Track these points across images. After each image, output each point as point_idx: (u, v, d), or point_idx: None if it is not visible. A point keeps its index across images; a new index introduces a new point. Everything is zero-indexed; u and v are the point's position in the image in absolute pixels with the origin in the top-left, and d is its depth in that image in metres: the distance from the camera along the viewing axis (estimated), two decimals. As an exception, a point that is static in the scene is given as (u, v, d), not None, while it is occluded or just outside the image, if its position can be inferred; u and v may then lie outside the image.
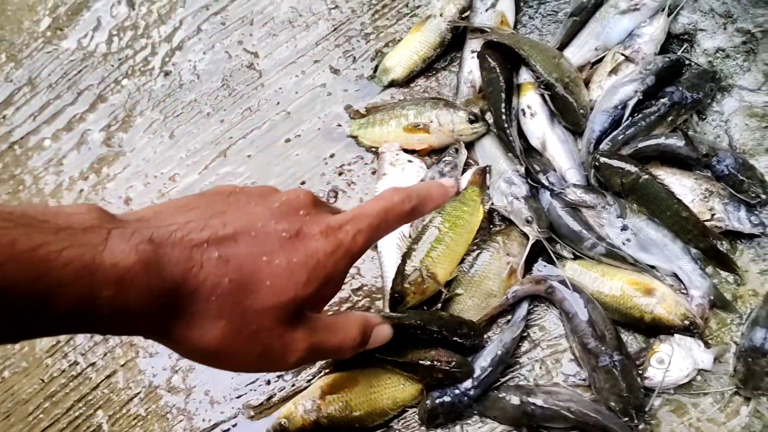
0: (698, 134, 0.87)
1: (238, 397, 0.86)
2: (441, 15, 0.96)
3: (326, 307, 0.86)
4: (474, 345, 0.81)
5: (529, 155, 0.89)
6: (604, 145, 0.86)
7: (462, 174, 0.90)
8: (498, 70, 0.89)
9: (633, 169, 0.82)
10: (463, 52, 0.96)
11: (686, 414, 0.78)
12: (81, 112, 1.05)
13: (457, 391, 0.80)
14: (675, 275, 0.83)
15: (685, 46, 0.90)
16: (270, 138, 0.98)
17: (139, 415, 0.88)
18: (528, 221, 0.84)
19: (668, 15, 0.88)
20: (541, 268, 0.85)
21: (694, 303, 0.81)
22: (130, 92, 1.05)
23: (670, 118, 0.86)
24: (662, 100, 0.85)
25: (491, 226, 0.88)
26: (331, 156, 0.96)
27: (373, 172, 0.94)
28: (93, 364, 0.91)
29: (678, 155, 0.84)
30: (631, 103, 0.85)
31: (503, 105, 0.88)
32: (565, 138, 0.89)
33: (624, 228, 0.83)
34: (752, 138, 0.86)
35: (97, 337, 0.91)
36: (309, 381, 0.85)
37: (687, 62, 0.88)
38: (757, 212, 0.83)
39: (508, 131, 0.88)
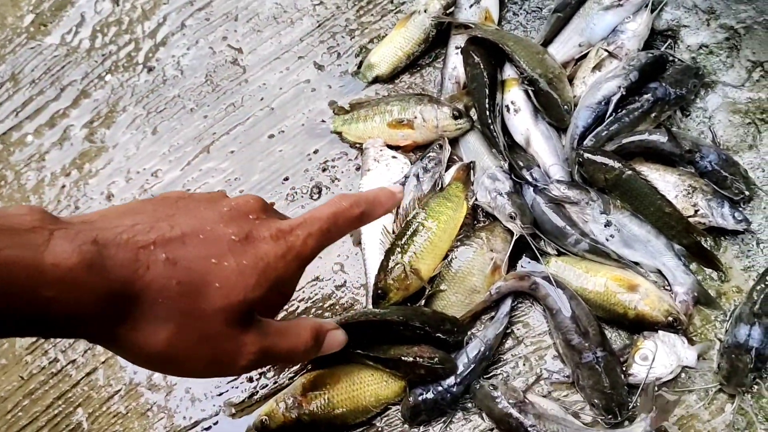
0: (682, 130, 0.87)
1: (219, 395, 0.85)
2: (425, 11, 0.95)
3: (311, 307, 0.85)
4: (457, 341, 0.81)
5: (513, 151, 0.89)
6: (587, 141, 0.86)
7: (446, 170, 0.89)
8: (482, 66, 0.89)
9: (616, 165, 0.82)
10: (448, 48, 0.96)
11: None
12: (64, 107, 1.04)
13: (440, 388, 0.79)
14: (659, 271, 0.82)
15: (668, 42, 0.90)
16: (253, 134, 0.97)
17: (119, 413, 0.87)
18: (512, 217, 0.83)
19: (652, 11, 0.88)
20: (525, 264, 0.85)
21: (678, 299, 0.80)
22: (113, 88, 1.04)
23: (653, 114, 0.85)
24: (646, 96, 0.85)
25: (475, 222, 0.87)
26: (315, 152, 0.95)
27: (357, 169, 0.93)
28: (73, 361, 0.90)
29: (661, 151, 0.84)
30: (615, 99, 0.85)
31: (487, 101, 0.88)
32: (549, 134, 0.88)
33: (608, 224, 0.83)
34: (736, 134, 0.86)
35: (77, 334, 0.90)
36: (291, 378, 0.84)
37: (670, 58, 0.88)
38: (740, 208, 0.83)
39: (492, 127, 0.87)
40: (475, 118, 0.91)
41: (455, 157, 0.91)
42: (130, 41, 1.06)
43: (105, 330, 0.49)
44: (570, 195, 0.84)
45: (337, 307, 0.87)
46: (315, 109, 0.97)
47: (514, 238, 0.83)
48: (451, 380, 0.79)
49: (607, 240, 0.83)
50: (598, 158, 0.83)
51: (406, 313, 0.80)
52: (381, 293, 0.83)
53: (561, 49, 0.92)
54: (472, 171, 0.88)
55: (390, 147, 0.92)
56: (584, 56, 0.91)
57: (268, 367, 0.85)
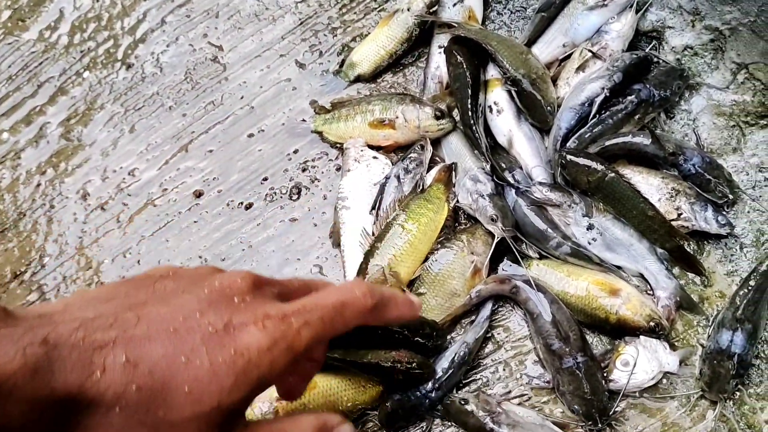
0: (666, 133, 0.86)
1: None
2: (409, 9, 0.94)
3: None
4: (436, 345, 0.79)
5: (495, 153, 0.88)
6: (570, 143, 0.85)
7: (428, 171, 0.88)
8: (465, 66, 0.87)
9: (599, 167, 0.81)
10: (431, 48, 0.94)
11: (651, 418, 0.76)
12: (41, 104, 1.02)
13: (418, 393, 0.78)
14: (641, 276, 0.81)
15: (653, 43, 0.89)
16: (233, 133, 0.96)
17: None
18: (493, 219, 0.82)
19: (636, 12, 0.87)
20: (506, 267, 0.83)
21: (660, 304, 0.79)
22: (91, 85, 1.02)
23: (637, 116, 0.84)
24: (630, 98, 0.84)
25: (456, 225, 0.86)
26: (295, 152, 0.94)
27: (338, 169, 0.92)
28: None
29: (645, 154, 0.83)
30: (598, 100, 0.83)
31: (470, 101, 0.86)
32: (531, 135, 0.87)
33: (590, 227, 0.82)
34: (720, 137, 0.85)
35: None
36: (267, 382, 0.83)
37: (655, 60, 0.87)
38: (724, 212, 0.82)
39: (474, 128, 0.86)
40: (457, 118, 0.89)
41: (437, 158, 0.90)
42: (109, 38, 1.04)
43: None
44: (552, 197, 0.82)
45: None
46: (296, 108, 0.96)
47: (495, 240, 0.82)
48: (429, 385, 0.78)
49: (589, 243, 0.82)
50: (581, 160, 0.82)
51: (384, 316, 0.78)
52: (359, 296, 0.81)
53: (545, 50, 0.90)
54: (453, 172, 0.86)
55: (371, 147, 0.91)
56: (568, 57, 0.90)
57: None
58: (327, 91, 0.96)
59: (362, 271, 0.82)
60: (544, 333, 0.78)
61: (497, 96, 0.88)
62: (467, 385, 0.80)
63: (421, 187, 0.86)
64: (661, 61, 0.87)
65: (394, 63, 0.96)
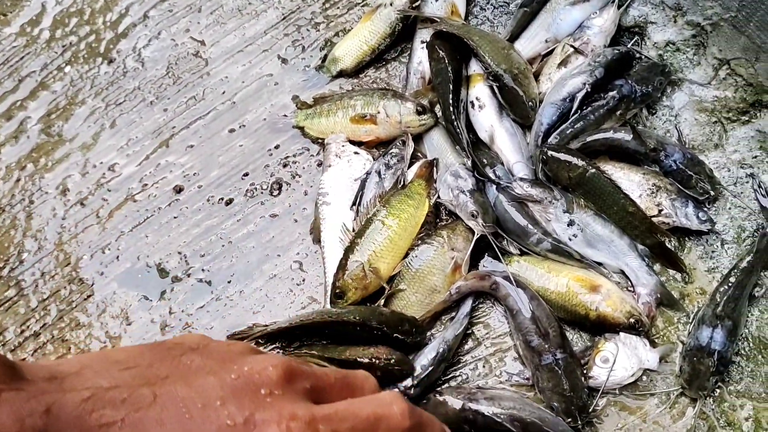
0: (647, 129, 0.86)
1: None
2: (392, 4, 0.93)
3: (267, 305, 0.83)
4: (416, 342, 0.79)
5: (476, 148, 0.87)
6: (552, 139, 0.84)
7: (409, 167, 0.87)
8: (447, 61, 0.87)
9: (580, 163, 0.80)
10: (413, 43, 0.94)
11: (631, 415, 0.76)
12: (21, 99, 1.01)
13: (396, 390, 0.77)
14: (622, 272, 0.81)
15: (635, 38, 0.89)
16: (214, 128, 0.95)
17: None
18: (473, 215, 0.81)
19: (618, 7, 0.87)
20: (486, 263, 0.83)
21: (641, 301, 0.79)
22: (72, 79, 1.01)
23: (619, 112, 0.84)
24: (611, 94, 0.84)
25: (437, 221, 0.86)
26: (276, 147, 0.93)
27: (319, 164, 0.91)
28: (23, 360, 0.87)
29: (626, 150, 0.82)
30: (580, 96, 0.83)
31: (451, 96, 0.86)
32: (513, 131, 0.87)
33: (571, 223, 0.81)
34: (702, 133, 0.85)
35: (27, 332, 0.88)
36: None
37: (637, 55, 0.87)
38: (705, 209, 0.81)
39: (455, 123, 0.86)
40: (439, 114, 0.89)
41: (419, 154, 0.90)
42: (91, 32, 1.03)
43: None
44: (533, 193, 0.82)
45: (294, 305, 0.85)
46: (278, 104, 0.95)
47: (476, 236, 0.81)
48: (408, 382, 0.77)
49: (569, 239, 0.81)
50: (562, 156, 0.81)
51: (363, 313, 0.78)
52: (339, 292, 0.81)
53: (527, 45, 0.90)
54: (435, 168, 0.86)
55: (352, 142, 0.90)
56: (551, 52, 0.90)
57: None
58: (309, 86, 0.95)
59: (342, 267, 0.81)
60: (523, 329, 0.78)
61: (479, 91, 0.88)
62: (446, 382, 0.79)
63: (402, 183, 0.85)
64: (643, 57, 0.87)
65: (377, 58, 0.95)
